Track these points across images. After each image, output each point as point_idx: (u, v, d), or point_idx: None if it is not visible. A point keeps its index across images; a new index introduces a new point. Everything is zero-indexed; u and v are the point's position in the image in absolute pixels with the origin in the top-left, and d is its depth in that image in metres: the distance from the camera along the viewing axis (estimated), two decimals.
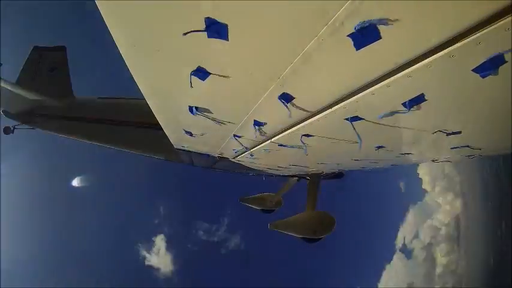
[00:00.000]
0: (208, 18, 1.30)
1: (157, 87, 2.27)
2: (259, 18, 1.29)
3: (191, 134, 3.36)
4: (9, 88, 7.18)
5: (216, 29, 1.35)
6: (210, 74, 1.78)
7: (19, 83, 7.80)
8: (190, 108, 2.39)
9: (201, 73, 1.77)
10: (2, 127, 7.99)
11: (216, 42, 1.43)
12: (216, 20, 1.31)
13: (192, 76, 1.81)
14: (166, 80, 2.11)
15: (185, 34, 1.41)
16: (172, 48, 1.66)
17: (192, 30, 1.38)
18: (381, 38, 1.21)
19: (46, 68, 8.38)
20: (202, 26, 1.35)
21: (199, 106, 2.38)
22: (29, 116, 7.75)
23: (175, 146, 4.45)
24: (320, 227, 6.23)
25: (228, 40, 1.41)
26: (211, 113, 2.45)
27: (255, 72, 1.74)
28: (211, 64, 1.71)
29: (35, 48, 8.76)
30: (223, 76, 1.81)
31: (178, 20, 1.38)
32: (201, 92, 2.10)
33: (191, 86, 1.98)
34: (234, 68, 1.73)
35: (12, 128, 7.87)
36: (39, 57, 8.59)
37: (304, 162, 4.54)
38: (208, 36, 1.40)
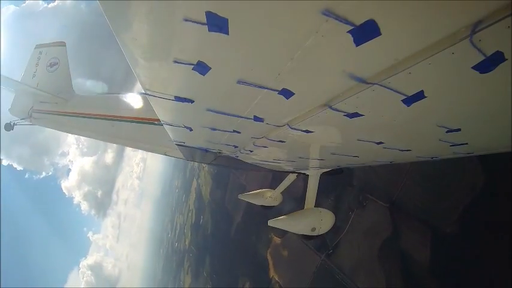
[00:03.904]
0: (208, 12, 1.30)
1: (158, 82, 2.26)
2: (259, 12, 1.28)
3: (191, 129, 3.35)
4: (11, 86, 7.17)
5: (216, 23, 1.35)
6: (211, 68, 1.76)
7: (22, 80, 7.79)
8: (191, 103, 2.38)
9: (201, 68, 1.76)
10: (2, 124, 7.99)
11: (217, 36, 1.43)
12: (217, 14, 1.30)
13: (193, 71, 1.79)
14: (167, 74, 2.09)
15: (186, 21, 1.38)
16: (173, 42, 1.65)
17: (194, 21, 1.37)
18: (380, 34, 1.20)
19: (46, 63, 8.35)
20: (203, 20, 1.35)
21: (199, 101, 2.38)
22: (29, 112, 7.71)
23: (174, 142, 4.43)
24: (319, 224, 6.26)
25: (228, 34, 1.40)
26: (211, 108, 2.45)
27: (255, 68, 1.72)
28: (212, 59, 1.70)
29: (37, 46, 8.73)
30: (224, 71, 1.81)
31: (180, 13, 1.37)
32: (202, 87, 2.08)
33: (192, 81, 1.97)
34: (234, 62, 1.72)
35: (12, 125, 7.84)
36: (39, 53, 8.56)
37: (304, 158, 4.52)
38: (209, 30, 1.40)
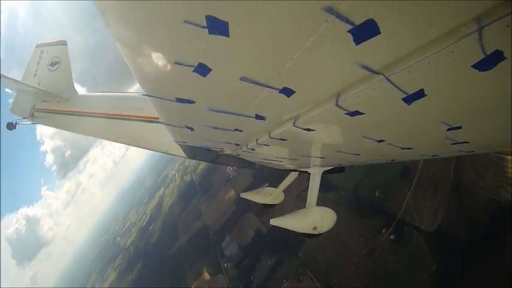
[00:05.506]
0: (209, 16, 1.28)
1: (159, 85, 2.25)
2: (259, 15, 1.26)
3: (192, 129, 3.28)
4: (11, 84, 7.14)
5: (216, 26, 1.33)
6: (211, 70, 1.73)
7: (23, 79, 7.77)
8: (192, 104, 2.35)
9: (202, 69, 1.73)
10: (3, 123, 7.79)
11: (217, 38, 1.41)
12: (217, 18, 1.29)
13: (193, 73, 1.76)
14: (167, 77, 2.07)
15: (186, 23, 1.36)
16: (173, 45, 1.65)
17: (194, 23, 1.35)
18: (380, 33, 1.18)
19: (47, 62, 8.35)
20: (204, 24, 1.33)
21: (200, 102, 2.33)
22: (31, 112, 7.57)
23: (176, 142, 4.36)
24: (320, 223, 5.96)
25: (228, 36, 1.38)
26: (212, 108, 2.40)
27: (256, 68, 1.71)
28: (212, 60, 1.68)
29: (37, 45, 8.79)
30: (224, 71, 1.79)
31: (180, 17, 1.36)
32: (202, 87, 2.04)
33: (192, 83, 1.94)
34: (235, 63, 1.70)
35: (14, 124, 7.68)
36: (40, 52, 8.59)
37: (305, 156, 4.38)
38: (210, 33, 1.38)
